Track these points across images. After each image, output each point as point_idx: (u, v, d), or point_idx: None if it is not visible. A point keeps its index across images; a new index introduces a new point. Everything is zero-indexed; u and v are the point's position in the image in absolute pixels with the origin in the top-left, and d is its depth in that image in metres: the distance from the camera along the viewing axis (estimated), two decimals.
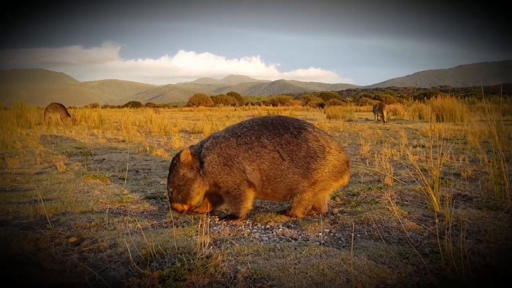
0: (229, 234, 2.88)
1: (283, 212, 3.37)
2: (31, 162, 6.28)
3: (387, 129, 11.79)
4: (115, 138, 10.69)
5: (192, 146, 3.49)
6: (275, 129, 3.24)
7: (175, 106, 62.29)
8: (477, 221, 3.05)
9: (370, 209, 3.40)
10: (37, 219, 3.34)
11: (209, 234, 2.88)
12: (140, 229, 3.01)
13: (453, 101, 14.25)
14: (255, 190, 3.21)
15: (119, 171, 5.59)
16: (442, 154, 6.13)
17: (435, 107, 14.57)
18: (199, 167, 3.27)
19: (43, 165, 6.10)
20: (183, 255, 2.42)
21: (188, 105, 56.25)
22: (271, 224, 3.12)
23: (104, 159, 6.68)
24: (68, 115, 17.29)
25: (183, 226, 3.10)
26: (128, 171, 5.55)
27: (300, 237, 2.83)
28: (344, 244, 2.69)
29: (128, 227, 3.08)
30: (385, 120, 15.09)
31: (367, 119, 18.24)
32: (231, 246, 2.62)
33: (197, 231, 2.92)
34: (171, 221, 3.23)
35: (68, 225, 3.15)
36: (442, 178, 4.75)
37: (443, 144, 7.95)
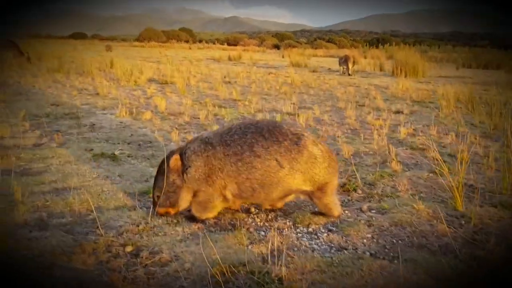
0: (281, 242, 2.96)
1: (320, 213, 3.39)
2: (19, 128, 5.99)
3: (357, 86, 11.99)
4: (85, 89, 10.28)
5: (179, 148, 3.42)
6: (272, 137, 3.16)
7: (124, 40, 59.76)
8: (499, 223, 3.29)
9: (396, 206, 3.57)
10: (74, 218, 3.27)
11: (262, 242, 2.95)
12: (191, 236, 3.04)
13: (416, 56, 14.57)
14: (228, 203, 3.28)
15: (118, 143, 5.46)
16: (424, 128, 6.37)
17: (398, 61, 14.85)
18: (184, 170, 3.22)
19: (35, 133, 5.84)
20: (255, 274, 2.49)
21: (138, 40, 54.10)
22: (312, 227, 3.22)
23: (94, 124, 6.47)
24: (22, 53, 16.30)
25: (230, 230, 3.14)
26: (128, 144, 5.44)
27: (348, 245, 2.96)
28: (392, 254, 2.84)
29: (177, 231, 3.09)
30: (350, 72, 15.27)
31: (329, 69, 18.39)
32: (291, 260, 2.71)
33: (249, 239, 2.98)
34: (215, 223, 3.27)
35: (112, 228, 3.12)
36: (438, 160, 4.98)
37: (419, 110, 8.24)
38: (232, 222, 3.28)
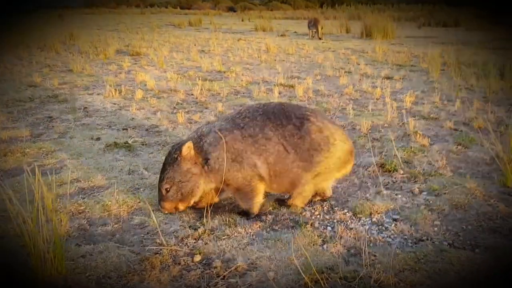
0: (354, 238, 2.77)
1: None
2: (5, 117, 5.45)
3: (334, 51, 11.80)
4: (55, 66, 9.57)
5: (189, 137, 3.18)
6: (277, 120, 3.02)
7: (72, 8, 56.53)
8: None
9: (445, 186, 3.45)
10: (118, 224, 2.96)
11: (334, 239, 2.76)
12: (257, 237, 2.80)
13: (386, 19, 14.47)
14: (265, 184, 3.04)
15: (124, 129, 5.06)
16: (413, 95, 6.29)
17: (367, 22, 14.72)
18: (203, 163, 2.99)
19: (26, 121, 5.33)
20: (350, 280, 2.31)
21: (88, 7, 51.25)
22: (375, 216, 3.05)
23: (86, 108, 5.98)
24: None
25: (294, 228, 2.92)
26: (133, 129, 5.05)
27: (422, 236, 2.81)
28: (469, 242, 2.72)
29: (240, 233, 2.84)
30: (320, 36, 15.03)
31: (296, 33, 18.05)
32: (375, 259, 2.53)
33: (319, 236, 2.78)
34: (274, 219, 3.04)
35: (166, 233, 2.83)
36: (457, 130, 4.92)
37: (407, 75, 8.17)
38: (291, 217, 3.06)
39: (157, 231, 2.85)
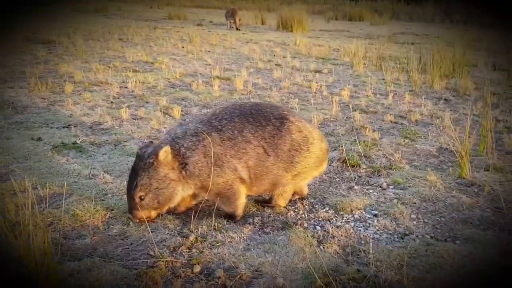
0: (345, 237, 2.80)
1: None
2: None
3: (256, 42, 11.83)
4: None
5: (151, 142, 3.04)
6: (256, 121, 2.95)
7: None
8: (504, 187, 3.52)
9: (407, 179, 3.61)
10: (97, 236, 2.71)
11: (328, 239, 2.76)
12: (252, 241, 2.71)
13: (302, 12, 14.78)
14: (246, 186, 2.95)
15: (64, 127, 4.65)
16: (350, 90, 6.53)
17: (284, 15, 14.94)
18: (180, 168, 2.83)
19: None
20: (360, 282, 2.32)
21: None
22: (357, 213, 3.10)
23: (13, 103, 5.40)
24: None
25: (285, 229, 2.87)
26: (75, 127, 4.66)
27: (405, 230, 2.91)
28: (448, 234, 2.86)
29: (233, 238, 2.73)
30: (238, 27, 14.98)
31: (211, 22, 17.82)
32: (373, 257, 2.57)
33: (313, 237, 2.76)
34: (263, 222, 2.96)
35: (156, 243, 2.64)
36: (396, 123, 5.17)
37: (334, 68, 8.42)
38: (278, 218, 3.01)
39: (142, 241, 2.65)
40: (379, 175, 3.71)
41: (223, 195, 2.90)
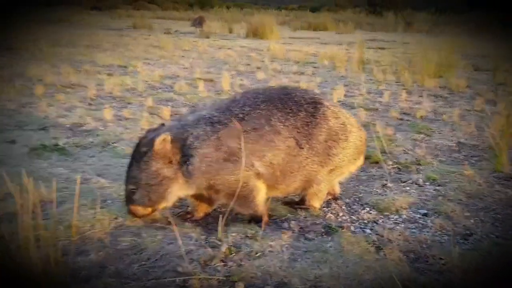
0: (404, 240, 2.33)
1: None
2: None
3: (229, 48, 11.38)
4: None
5: (164, 125, 2.51)
6: (285, 107, 2.44)
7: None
8: None
9: (442, 174, 3.21)
10: (105, 250, 2.13)
11: (384, 244, 2.28)
12: (297, 250, 2.20)
13: (271, 19, 14.47)
14: (265, 181, 2.42)
15: (41, 129, 4.01)
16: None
17: (253, 23, 14.59)
18: (181, 162, 2.29)
19: None
20: None
21: None
22: (403, 213, 2.64)
23: None
24: None
25: (329, 234, 2.38)
26: (55, 128, 4.02)
27: (465, 230, 2.48)
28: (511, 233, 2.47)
29: (273, 247, 2.21)
30: (206, 34, 14.50)
31: (178, 31, 17.24)
32: (445, 263, 2.12)
33: (368, 242, 2.27)
34: (301, 227, 2.45)
35: (179, 257, 2.09)
36: (402, 120, 4.82)
37: (316, 71, 8.08)
38: (317, 222, 2.51)
39: (162, 255, 2.10)
40: (409, 171, 3.29)
41: (238, 195, 2.33)
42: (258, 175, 2.38)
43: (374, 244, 2.25)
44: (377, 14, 26.85)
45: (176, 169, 2.30)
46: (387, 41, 14.43)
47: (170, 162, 2.30)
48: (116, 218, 2.42)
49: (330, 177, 2.58)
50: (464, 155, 3.71)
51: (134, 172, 2.32)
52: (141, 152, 2.31)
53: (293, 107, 2.46)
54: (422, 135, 4.17)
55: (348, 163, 2.59)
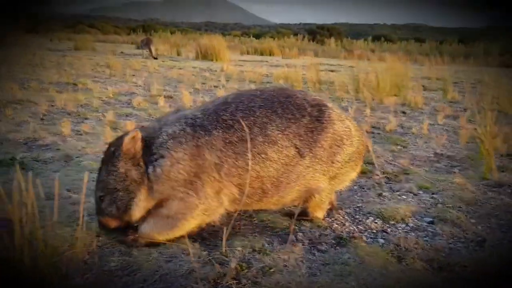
0: (422, 249, 2.15)
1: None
2: None
3: (181, 68, 11.10)
4: None
5: (143, 127, 2.26)
6: (286, 112, 2.20)
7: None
8: None
9: (432, 183, 3.11)
10: (91, 272, 1.78)
11: (401, 253, 2.09)
12: (309, 263, 1.95)
13: (221, 41, 14.38)
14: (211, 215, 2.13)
15: None
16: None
17: (203, 45, 14.43)
18: (148, 162, 2.01)
19: None
20: None
21: None
22: (410, 221, 2.49)
23: None
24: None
25: (340, 245, 2.15)
26: (1, 143, 3.56)
27: (476, 236, 2.35)
28: None
29: (286, 261, 1.95)
30: (154, 55, 14.14)
31: (123, 52, 16.74)
32: (473, 272, 1.96)
33: (386, 252, 2.07)
34: (310, 239, 2.21)
35: (181, 276, 1.79)
36: (373, 133, 4.76)
37: None
38: (324, 233, 2.29)
39: (160, 276, 1.78)
40: (398, 181, 3.16)
41: (169, 215, 2.03)
42: (218, 203, 2.09)
43: (393, 254, 2.04)
44: (318, 41, 27.62)
45: (142, 172, 2.00)
46: (333, 64, 14.73)
47: (139, 164, 2.00)
48: (98, 236, 2.06)
49: (332, 186, 2.36)
50: (445, 165, 3.65)
51: (102, 175, 2.03)
52: (110, 153, 2.04)
53: (296, 113, 2.22)
54: (399, 147, 4.10)
55: (350, 169, 2.39)
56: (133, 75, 9.00)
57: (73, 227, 2.12)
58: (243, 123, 2.04)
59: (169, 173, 1.97)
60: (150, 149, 2.01)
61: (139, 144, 1.99)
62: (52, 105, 5.29)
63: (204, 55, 14.12)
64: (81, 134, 3.98)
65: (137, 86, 7.48)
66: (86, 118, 4.71)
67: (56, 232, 2.00)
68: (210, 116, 2.13)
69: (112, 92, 6.44)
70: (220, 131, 2.06)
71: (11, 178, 2.62)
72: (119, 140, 2.04)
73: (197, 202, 2.00)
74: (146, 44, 14.34)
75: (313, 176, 2.22)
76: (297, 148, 2.15)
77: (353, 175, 2.47)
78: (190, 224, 2.04)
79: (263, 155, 2.08)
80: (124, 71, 9.44)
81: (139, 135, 1.98)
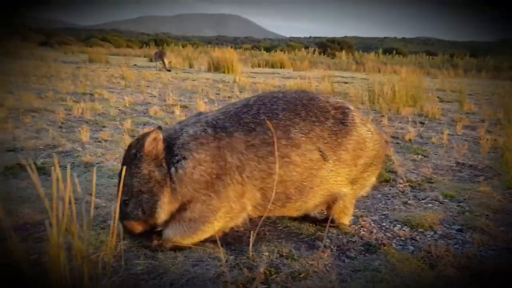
0: (453, 256, 2.09)
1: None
2: None
3: (194, 80, 11.15)
4: None
5: (160, 127, 2.23)
6: (309, 114, 2.15)
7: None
8: None
9: (458, 191, 3.04)
10: (117, 276, 1.74)
11: (433, 261, 2.03)
12: (339, 269, 1.90)
13: (233, 54, 14.44)
14: (235, 219, 2.10)
15: (9, 150, 3.53)
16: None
17: (215, 57, 14.50)
18: (170, 163, 1.98)
19: None
20: None
21: None
22: (438, 228, 2.42)
23: None
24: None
25: (371, 252, 2.10)
26: (21, 150, 3.57)
27: (507, 244, 2.28)
28: None
29: (315, 266, 1.90)
30: (167, 68, 14.24)
31: (136, 65, 16.89)
32: (495, 276, 1.89)
33: (417, 259, 2.01)
34: (338, 246, 2.16)
35: (207, 280, 1.74)
36: (392, 143, 4.69)
37: None
38: (352, 239, 2.23)
39: (188, 280, 1.74)
40: (422, 189, 3.09)
41: (192, 218, 2.00)
42: (241, 208, 2.05)
43: (424, 261, 1.98)
44: (328, 54, 27.67)
45: (165, 172, 1.97)
46: (346, 77, 14.72)
47: (161, 164, 1.97)
48: (124, 240, 2.02)
49: (354, 191, 2.31)
50: (468, 174, 3.58)
51: (125, 179, 1.97)
52: (131, 155, 2.00)
53: (319, 115, 2.18)
54: (420, 156, 4.03)
55: (371, 174, 2.33)
56: (148, 86, 9.04)
57: (96, 230, 2.09)
58: (269, 125, 2.00)
59: (192, 175, 1.94)
60: (172, 150, 1.98)
61: (161, 145, 1.97)
62: (69, 114, 5.31)
63: (216, 67, 14.17)
64: (100, 142, 3.97)
65: (152, 96, 7.50)
66: (104, 126, 4.72)
67: (79, 236, 1.98)
68: (231, 118, 2.10)
69: (128, 102, 6.45)
70: (242, 133, 2.02)
71: (33, 184, 2.62)
72: (139, 142, 2.01)
73: (219, 204, 1.96)
74: (160, 56, 14.45)
75: (336, 180, 2.17)
76: (321, 151, 2.11)
77: (373, 179, 2.41)
78: (213, 227, 1.99)
79: (286, 159, 2.04)
80: (139, 82, 9.51)
81: (160, 135, 1.97)
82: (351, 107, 2.32)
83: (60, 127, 4.59)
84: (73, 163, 3.27)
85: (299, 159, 2.06)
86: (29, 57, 18.50)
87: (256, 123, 2.07)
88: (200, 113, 2.31)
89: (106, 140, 4.04)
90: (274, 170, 1.98)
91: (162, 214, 2.00)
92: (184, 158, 1.96)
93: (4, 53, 19.15)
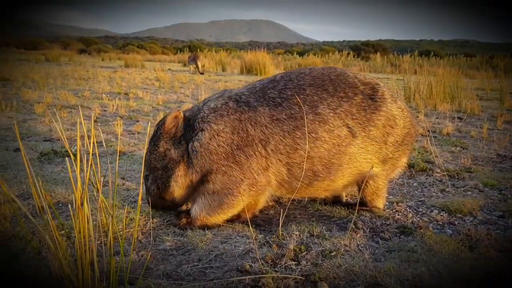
0: (495, 240, 1.97)
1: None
2: None
3: (226, 82, 11.20)
4: None
5: (187, 109, 2.20)
6: (337, 90, 2.07)
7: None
8: None
9: (498, 181, 2.90)
10: (147, 250, 1.73)
11: (480, 244, 1.93)
12: (372, 249, 1.82)
13: (266, 56, 14.45)
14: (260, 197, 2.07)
15: (46, 140, 3.61)
16: None
17: (247, 60, 14.54)
18: (188, 138, 1.97)
19: None
20: None
21: None
22: (477, 214, 2.31)
23: None
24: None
25: (403, 234, 2.01)
26: (57, 140, 3.64)
27: None
28: None
29: (348, 246, 1.83)
30: (200, 71, 14.37)
31: (170, 69, 17.14)
32: None
33: (456, 241, 1.91)
34: (371, 228, 2.08)
35: (238, 256, 1.70)
36: (429, 136, 4.54)
37: None
38: (386, 222, 2.15)
39: (216, 255, 1.70)
40: (461, 178, 2.96)
41: (215, 195, 1.97)
42: (264, 185, 2.00)
43: (463, 243, 1.88)
44: (363, 57, 27.32)
45: (182, 151, 1.97)
46: (381, 78, 14.46)
47: (180, 142, 1.99)
48: (153, 218, 2.02)
49: (385, 172, 2.21)
50: (510, 165, 3.41)
51: (147, 155, 2.03)
52: (154, 132, 2.05)
53: (348, 91, 2.10)
54: (458, 148, 3.89)
55: (402, 154, 2.22)
56: (181, 87, 9.14)
57: (126, 209, 2.09)
58: (298, 100, 1.95)
59: (208, 145, 1.92)
60: (193, 126, 1.98)
61: (181, 123, 1.97)
62: (105, 110, 5.41)
63: (249, 69, 14.20)
64: (133, 133, 4.02)
65: (185, 95, 7.57)
66: (137, 121, 4.78)
67: (109, 213, 1.98)
68: (256, 93, 2.07)
69: (162, 100, 6.53)
70: (267, 108, 1.99)
71: (66, 168, 2.67)
72: (162, 120, 2.04)
73: (242, 176, 1.93)
74: (193, 59, 14.60)
75: (365, 158, 2.08)
76: (349, 127, 2.03)
77: (404, 160, 2.30)
78: (239, 200, 1.95)
79: (313, 135, 1.98)
80: (173, 84, 9.63)
81: (181, 114, 1.99)
82: (381, 83, 2.24)
83: (95, 121, 4.67)
84: (106, 151, 3.31)
85: (326, 135, 2.00)
86: (68, 63, 19.10)
87: (282, 98, 2.03)
88: (224, 90, 2.29)
89: (139, 132, 4.08)
90: (300, 145, 1.93)
91: (176, 189, 2.00)
92: (202, 130, 1.96)
93: (43, 60, 19.86)
